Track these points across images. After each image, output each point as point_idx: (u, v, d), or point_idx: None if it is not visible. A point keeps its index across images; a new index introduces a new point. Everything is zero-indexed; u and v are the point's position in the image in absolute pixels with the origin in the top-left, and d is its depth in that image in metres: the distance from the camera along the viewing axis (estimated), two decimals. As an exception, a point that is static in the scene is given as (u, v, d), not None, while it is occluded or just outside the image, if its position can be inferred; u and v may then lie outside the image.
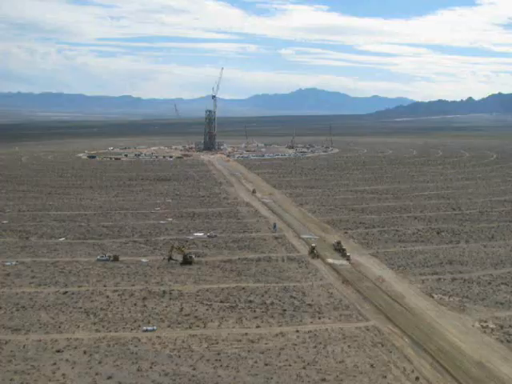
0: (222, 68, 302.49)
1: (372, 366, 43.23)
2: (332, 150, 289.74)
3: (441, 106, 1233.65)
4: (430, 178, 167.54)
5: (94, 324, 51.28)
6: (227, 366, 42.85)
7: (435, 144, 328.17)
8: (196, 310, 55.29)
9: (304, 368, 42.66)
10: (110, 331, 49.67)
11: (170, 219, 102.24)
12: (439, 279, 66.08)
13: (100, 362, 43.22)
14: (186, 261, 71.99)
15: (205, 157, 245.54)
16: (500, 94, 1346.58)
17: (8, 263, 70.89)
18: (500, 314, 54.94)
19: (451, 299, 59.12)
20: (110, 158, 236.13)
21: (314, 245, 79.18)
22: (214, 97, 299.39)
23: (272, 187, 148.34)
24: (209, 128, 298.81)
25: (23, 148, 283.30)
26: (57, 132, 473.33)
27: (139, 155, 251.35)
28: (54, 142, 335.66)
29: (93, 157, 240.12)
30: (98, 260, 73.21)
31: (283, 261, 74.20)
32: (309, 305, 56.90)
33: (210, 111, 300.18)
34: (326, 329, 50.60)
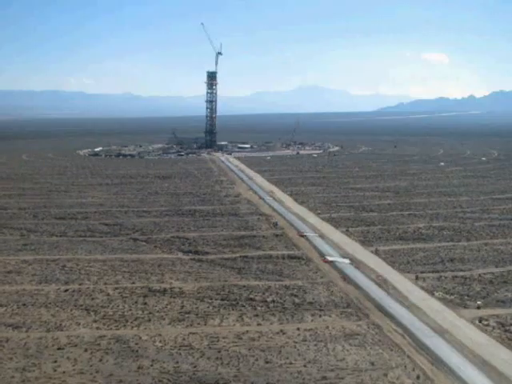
0: (202, 24, 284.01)
1: (373, 363, 43.19)
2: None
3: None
4: (431, 176, 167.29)
5: (95, 322, 51.34)
6: (228, 364, 42.87)
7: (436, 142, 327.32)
8: (197, 307, 55.31)
9: (305, 366, 42.65)
10: (111, 329, 49.72)
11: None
12: (440, 277, 66.00)
13: (101, 360, 43.26)
14: None
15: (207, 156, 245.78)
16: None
17: None
18: (501, 312, 54.87)
19: (452, 297, 59.05)
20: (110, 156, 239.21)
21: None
22: (219, 53, 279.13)
23: (272, 185, 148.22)
24: (211, 110, 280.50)
25: (23, 145, 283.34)
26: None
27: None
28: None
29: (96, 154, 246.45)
30: None
31: (284, 258, 74.17)
32: (309, 303, 56.86)
33: (211, 72, 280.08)
34: (327, 326, 50.58)
